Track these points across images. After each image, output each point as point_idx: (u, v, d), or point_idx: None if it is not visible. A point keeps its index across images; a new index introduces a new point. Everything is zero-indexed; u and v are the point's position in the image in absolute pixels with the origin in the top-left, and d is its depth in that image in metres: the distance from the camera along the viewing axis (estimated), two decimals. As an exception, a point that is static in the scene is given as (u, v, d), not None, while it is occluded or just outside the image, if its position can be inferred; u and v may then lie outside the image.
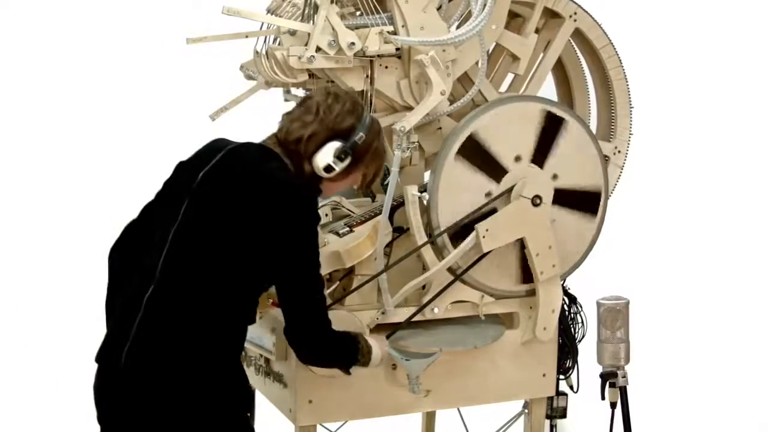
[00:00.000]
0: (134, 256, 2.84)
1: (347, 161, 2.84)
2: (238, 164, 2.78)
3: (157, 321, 2.69)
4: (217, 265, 2.70)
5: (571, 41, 3.44)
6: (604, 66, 3.43)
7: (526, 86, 3.40)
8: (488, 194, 3.18)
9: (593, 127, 3.51)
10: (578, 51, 3.48)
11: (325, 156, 2.83)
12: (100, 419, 2.80)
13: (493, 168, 3.17)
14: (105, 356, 2.76)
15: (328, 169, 2.83)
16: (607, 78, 3.46)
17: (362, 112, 2.88)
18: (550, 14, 3.37)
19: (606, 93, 3.50)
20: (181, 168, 2.87)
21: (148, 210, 2.90)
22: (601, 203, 3.32)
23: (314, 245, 2.77)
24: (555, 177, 3.23)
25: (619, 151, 3.47)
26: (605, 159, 3.44)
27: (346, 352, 2.91)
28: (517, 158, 3.19)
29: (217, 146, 2.85)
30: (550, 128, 3.21)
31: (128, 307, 2.73)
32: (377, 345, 3.00)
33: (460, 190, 3.15)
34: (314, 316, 2.78)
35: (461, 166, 3.14)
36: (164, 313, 2.69)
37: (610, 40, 3.41)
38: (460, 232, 3.16)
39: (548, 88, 3.51)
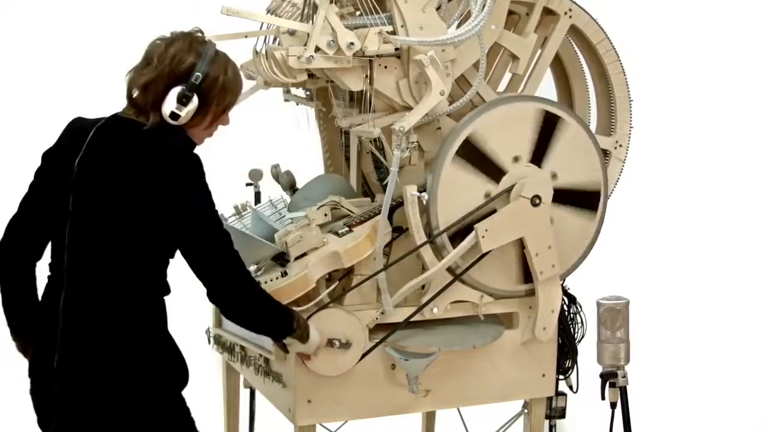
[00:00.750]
0: (28, 260, 2.80)
1: (193, 104, 2.71)
2: (110, 145, 2.71)
3: (79, 321, 2.68)
4: (121, 250, 2.66)
5: (569, 38, 3.43)
6: (602, 61, 3.43)
7: (524, 85, 3.40)
8: (487, 195, 3.18)
9: (593, 122, 3.51)
10: (575, 47, 3.48)
11: (169, 104, 2.71)
12: (42, 423, 2.80)
13: (491, 169, 3.17)
14: (37, 369, 2.77)
15: (173, 116, 2.70)
16: (605, 73, 3.45)
17: (203, 48, 2.74)
18: (545, 11, 3.37)
19: (605, 87, 3.49)
20: (51, 158, 2.80)
21: (27, 204, 2.84)
22: (601, 201, 3.32)
23: (209, 202, 2.69)
24: (554, 176, 3.23)
25: (620, 145, 3.47)
26: (606, 154, 3.44)
27: (277, 314, 2.85)
28: (516, 158, 3.19)
29: (80, 128, 2.79)
30: (548, 127, 3.21)
31: (47, 317, 2.72)
32: (315, 329, 2.97)
33: (459, 190, 3.15)
34: (229, 266, 2.72)
35: (460, 168, 3.14)
36: (84, 310, 2.68)
37: (607, 35, 3.40)
38: (460, 232, 3.16)
39: (548, 87, 3.51)
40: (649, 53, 5.65)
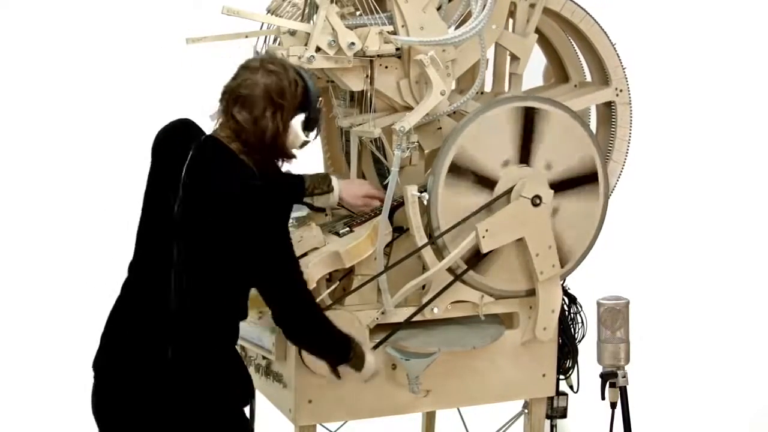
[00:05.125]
0: (145, 269, 2.84)
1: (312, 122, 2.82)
2: (211, 172, 2.74)
3: (168, 329, 2.74)
4: (214, 275, 2.73)
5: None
6: (572, 23, 3.39)
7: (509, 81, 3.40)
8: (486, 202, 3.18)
9: (588, 79, 3.52)
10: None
11: (296, 137, 2.78)
12: (102, 423, 2.83)
13: (483, 182, 3.17)
14: (109, 368, 2.80)
15: (304, 144, 2.81)
16: (581, 32, 3.42)
17: (300, 73, 2.79)
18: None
19: (586, 44, 3.46)
20: (160, 157, 2.83)
21: (146, 211, 2.87)
22: (600, 174, 3.30)
23: (286, 244, 2.74)
24: (549, 167, 3.22)
25: (620, 90, 3.46)
26: (611, 106, 3.44)
27: (336, 342, 2.90)
28: (505, 163, 3.18)
29: (186, 133, 2.82)
30: (527, 123, 3.19)
31: (135, 319, 2.78)
32: (373, 356, 3.00)
33: (459, 194, 3.15)
34: (298, 295, 2.78)
35: (454, 187, 3.14)
36: (176, 321, 2.74)
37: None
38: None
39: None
40: (649, 53, 5.64)
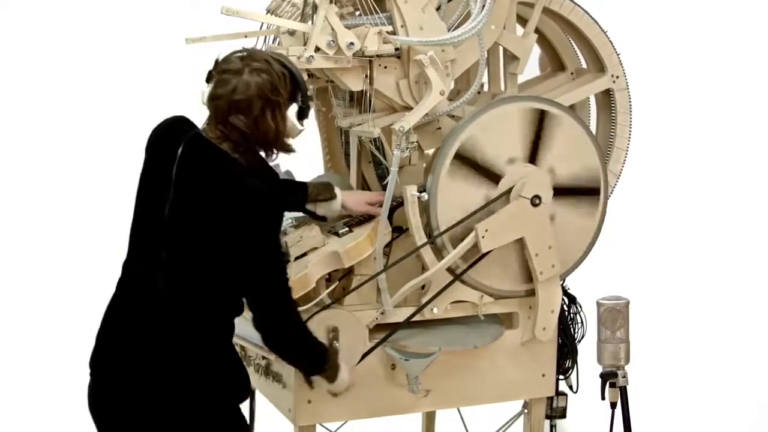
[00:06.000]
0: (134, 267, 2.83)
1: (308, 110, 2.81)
2: (201, 172, 2.72)
3: (161, 326, 2.73)
4: (206, 272, 2.72)
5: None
6: (561, 15, 3.39)
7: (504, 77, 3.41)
8: (486, 198, 3.17)
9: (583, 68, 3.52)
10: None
11: (293, 127, 2.78)
12: (99, 421, 2.82)
13: (487, 175, 3.16)
14: (105, 366, 2.80)
15: (299, 133, 2.80)
16: (570, 23, 3.42)
17: (283, 62, 2.76)
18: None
19: (577, 34, 3.46)
20: (153, 155, 2.81)
21: (138, 210, 2.86)
22: (602, 182, 3.29)
23: (275, 245, 2.74)
24: (551, 171, 3.22)
25: (617, 77, 3.45)
26: (609, 93, 3.45)
27: (313, 351, 2.89)
28: (511, 160, 3.18)
29: (178, 131, 2.78)
30: (539, 124, 3.20)
31: (130, 318, 2.77)
32: (347, 372, 2.98)
33: (458, 192, 3.15)
34: (282, 299, 2.77)
35: (457, 177, 3.13)
36: (169, 319, 2.73)
37: None
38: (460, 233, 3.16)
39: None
40: (649, 53, 5.64)
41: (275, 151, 2.80)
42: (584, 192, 3.28)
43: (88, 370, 2.83)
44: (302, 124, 2.80)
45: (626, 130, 3.49)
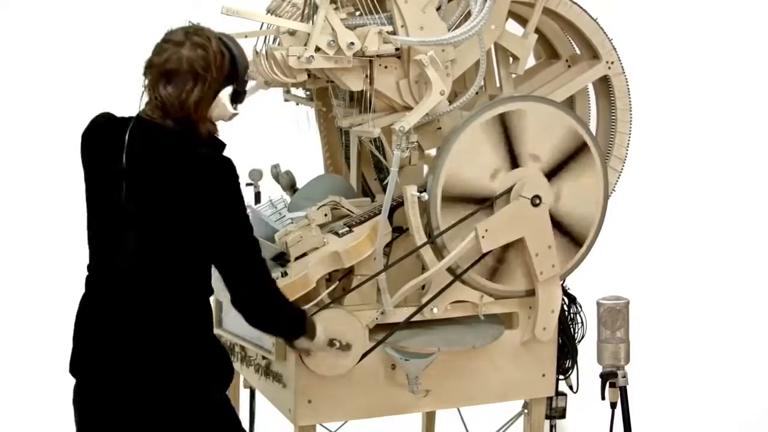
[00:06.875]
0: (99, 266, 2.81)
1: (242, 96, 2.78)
2: (153, 153, 2.68)
3: (129, 318, 2.70)
4: (169, 253, 2.68)
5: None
6: (549, 9, 3.38)
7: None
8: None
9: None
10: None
11: (223, 108, 2.73)
12: (88, 421, 2.81)
13: (477, 201, 3.17)
14: (83, 365, 2.78)
15: (232, 117, 2.75)
16: (561, 15, 3.41)
17: (226, 43, 2.73)
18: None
19: (567, 24, 3.45)
20: (92, 158, 2.76)
21: (91, 211, 2.82)
22: (589, 140, 3.27)
23: (243, 211, 2.71)
24: (536, 159, 3.20)
25: (612, 63, 3.44)
26: (606, 81, 3.43)
27: (293, 318, 2.88)
28: (495, 173, 3.17)
29: (111, 127, 2.75)
30: (501, 130, 3.17)
31: (104, 314, 2.74)
32: (321, 327, 2.97)
33: (458, 195, 3.15)
34: (257, 276, 2.74)
35: (451, 211, 3.14)
36: (135, 308, 2.70)
37: None
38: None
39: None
40: (649, 54, 5.65)
41: (198, 125, 2.71)
42: (574, 154, 3.26)
43: (71, 374, 2.79)
44: (235, 108, 2.75)
45: (627, 114, 3.48)
